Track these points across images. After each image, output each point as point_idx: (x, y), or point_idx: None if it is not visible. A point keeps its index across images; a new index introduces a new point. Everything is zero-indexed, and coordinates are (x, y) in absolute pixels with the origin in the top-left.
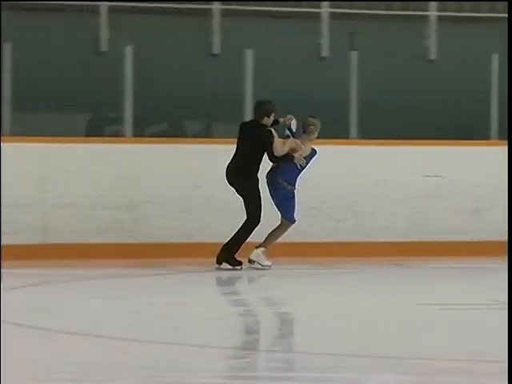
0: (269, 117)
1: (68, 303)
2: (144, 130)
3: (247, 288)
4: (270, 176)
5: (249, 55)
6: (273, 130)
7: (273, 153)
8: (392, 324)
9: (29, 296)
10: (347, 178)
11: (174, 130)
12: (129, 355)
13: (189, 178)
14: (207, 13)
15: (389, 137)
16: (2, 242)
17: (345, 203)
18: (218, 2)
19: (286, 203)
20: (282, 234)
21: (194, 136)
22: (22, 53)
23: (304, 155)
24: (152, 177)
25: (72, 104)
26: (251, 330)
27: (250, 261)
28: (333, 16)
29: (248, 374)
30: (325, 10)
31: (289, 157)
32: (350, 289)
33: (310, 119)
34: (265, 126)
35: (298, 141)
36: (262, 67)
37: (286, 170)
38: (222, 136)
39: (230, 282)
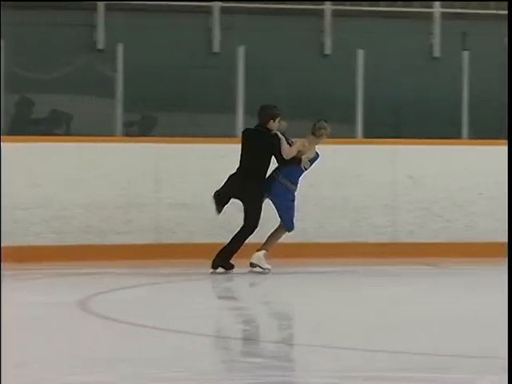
0: (274, 121)
1: (175, 302)
2: None
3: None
4: (272, 175)
5: (360, 55)
6: (278, 133)
7: (281, 156)
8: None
9: (141, 295)
10: (459, 179)
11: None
12: (241, 354)
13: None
14: (319, 13)
15: (501, 137)
16: (117, 242)
17: (456, 203)
18: (329, 3)
19: (285, 206)
20: (281, 236)
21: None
22: (133, 54)
23: (310, 158)
24: None
25: (184, 104)
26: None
27: (252, 264)
28: (445, 16)
29: (359, 375)
30: (437, 9)
31: (296, 160)
32: (465, 289)
33: (323, 123)
34: (270, 130)
35: (305, 143)
36: (373, 67)
37: (289, 170)
38: (331, 136)
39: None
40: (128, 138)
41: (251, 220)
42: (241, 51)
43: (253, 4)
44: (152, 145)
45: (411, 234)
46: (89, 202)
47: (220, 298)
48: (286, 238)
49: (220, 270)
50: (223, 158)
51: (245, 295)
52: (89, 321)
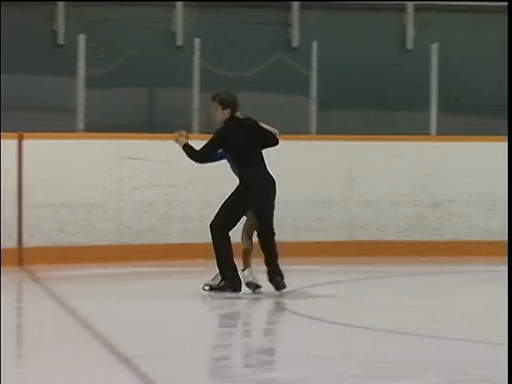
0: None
1: (368, 299)
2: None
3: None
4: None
5: None
6: None
7: None
8: None
9: (333, 292)
10: None
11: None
12: (431, 351)
13: (486, 176)
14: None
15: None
16: (308, 239)
17: None
18: None
19: None
20: None
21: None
22: (327, 51)
23: None
24: (459, 174)
25: (378, 102)
26: None
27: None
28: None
29: None
30: None
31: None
32: None
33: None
34: None
35: None
36: None
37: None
38: None
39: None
40: (320, 136)
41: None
42: (434, 48)
43: (448, 2)
44: (345, 142)
45: None
46: (281, 199)
47: (412, 295)
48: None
49: None
50: (412, 156)
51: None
52: (283, 317)
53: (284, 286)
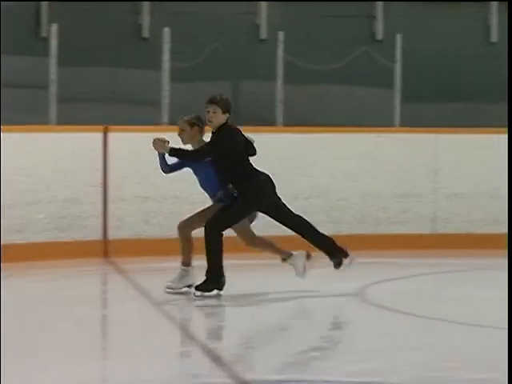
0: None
1: (452, 292)
2: None
3: None
4: None
5: None
6: None
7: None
8: None
9: (415, 285)
10: None
11: None
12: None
13: None
14: None
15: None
16: (392, 231)
17: None
18: None
19: None
20: None
21: None
22: (412, 44)
23: None
24: None
25: (461, 94)
26: None
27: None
28: None
29: None
30: None
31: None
32: None
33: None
34: None
35: None
36: None
37: None
38: None
39: None
40: (406, 129)
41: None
42: None
43: None
44: (430, 135)
45: None
46: (366, 191)
47: (497, 288)
48: None
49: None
50: (499, 148)
51: None
52: (367, 310)
53: (341, 263)
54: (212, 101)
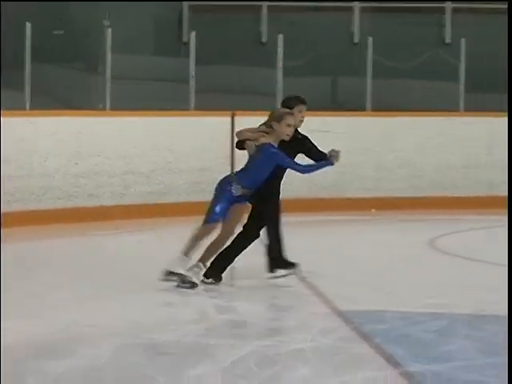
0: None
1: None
2: None
3: None
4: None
5: None
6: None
7: None
8: None
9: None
10: None
11: None
12: None
13: None
14: None
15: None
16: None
17: None
18: None
19: None
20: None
21: None
22: (475, 47)
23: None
24: None
25: None
26: None
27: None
28: None
29: None
30: None
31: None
32: None
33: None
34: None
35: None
36: None
37: None
38: None
39: None
40: (469, 113)
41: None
42: None
43: None
44: (487, 118)
45: None
46: (439, 164)
47: None
48: None
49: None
50: None
51: None
52: (435, 256)
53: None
54: (303, 102)
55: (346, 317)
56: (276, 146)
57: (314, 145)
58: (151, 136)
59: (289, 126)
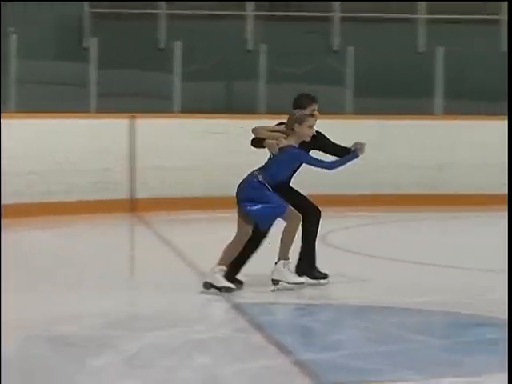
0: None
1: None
2: None
3: None
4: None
5: None
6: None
7: None
8: None
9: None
10: None
11: None
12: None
13: None
14: None
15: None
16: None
17: None
18: None
19: None
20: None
21: None
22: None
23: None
24: None
25: None
26: None
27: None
28: None
29: None
30: None
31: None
32: None
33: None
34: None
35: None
36: None
37: None
38: None
39: None
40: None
41: None
42: None
43: None
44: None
45: None
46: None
47: None
48: None
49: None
50: None
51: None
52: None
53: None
54: (317, 100)
55: (241, 309)
56: (297, 147)
57: (329, 140)
58: (53, 137)
59: (310, 127)
